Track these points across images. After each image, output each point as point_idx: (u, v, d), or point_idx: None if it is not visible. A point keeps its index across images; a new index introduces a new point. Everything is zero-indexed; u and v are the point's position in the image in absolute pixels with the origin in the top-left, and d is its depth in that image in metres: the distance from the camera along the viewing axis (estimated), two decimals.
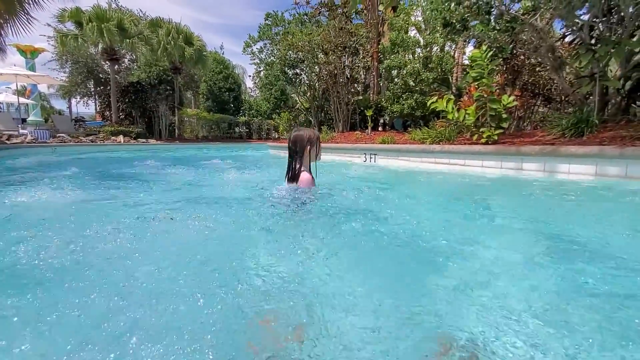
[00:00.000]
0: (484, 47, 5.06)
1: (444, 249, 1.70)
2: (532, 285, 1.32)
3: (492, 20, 5.19)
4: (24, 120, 16.97)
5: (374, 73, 12.61)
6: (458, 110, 5.26)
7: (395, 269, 1.50)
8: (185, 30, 20.15)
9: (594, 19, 4.62)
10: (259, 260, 1.53)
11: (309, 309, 1.15)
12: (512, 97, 5.14)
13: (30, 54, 18.40)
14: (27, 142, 10.83)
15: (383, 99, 11.57)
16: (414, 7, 13.91)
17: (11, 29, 7.23)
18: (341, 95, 11.82)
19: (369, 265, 1.53)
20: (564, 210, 2.66)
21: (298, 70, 13.00)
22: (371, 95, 12.65)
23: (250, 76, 28.18)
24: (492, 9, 5.22)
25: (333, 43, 11.12)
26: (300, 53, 11.90)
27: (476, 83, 5.06)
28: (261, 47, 21.23)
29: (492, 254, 1.65)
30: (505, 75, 6.98)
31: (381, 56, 11.66)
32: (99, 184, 3.81)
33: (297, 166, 2.58)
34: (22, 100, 20.05)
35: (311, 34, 11.99)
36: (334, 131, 11.87)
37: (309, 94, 13.65)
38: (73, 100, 31.47)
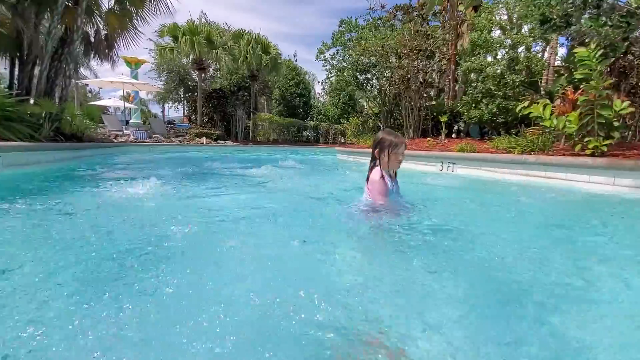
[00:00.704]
0: (592, 46, 4.39)
1: (559, 288, 1.39)
2: None
3: (601, 15, 4.50)
4: (127, 122, 19.69)
5: (450, 77, 11.91)
6: (557, 116, 4.63)
7: (499, 310, 1.23)
8: (264, 40, 21.46)
9: None
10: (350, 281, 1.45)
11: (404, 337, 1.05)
12: (626, 103, 4.37)
13: (134, 64, 21.45)
14: (130, 141, 12.54)
15: (459, 104, 10.85)
16: (499, 6, 12.84)
17: (122, 42, 8.44)
18: (413, 100, 11.40)
19: (471, 297, 1.31)
20: None
21: (369, 75, 12.89)
22: (446, 100, 11.97)
23: (319, 82, 28.84)
24: (602, 2, 4.53)
25: (408, 46, 10.79)
26: (372, 58, 11.79)
27: (582, 86, 4.41)
28: (334, 54, 21.61)
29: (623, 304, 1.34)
30: (610, 77, 5.99)
31: (458, 59, 10.96)
32: (197, 181, 4.20)
33: (370, 166, 2.52)
34: (127, 104, 23.36)
35: (385, 38, 11.81)
36: (405, 137, 11.47)
37: (379, 98, 13.45)
38: (166, 105, 35.76)
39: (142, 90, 19.80)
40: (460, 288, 1.35)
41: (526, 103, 5.16)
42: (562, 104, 5.26)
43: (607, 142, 4.23)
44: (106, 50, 8.33)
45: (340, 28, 20.51)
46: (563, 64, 10.66)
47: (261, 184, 4.14)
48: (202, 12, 24.34)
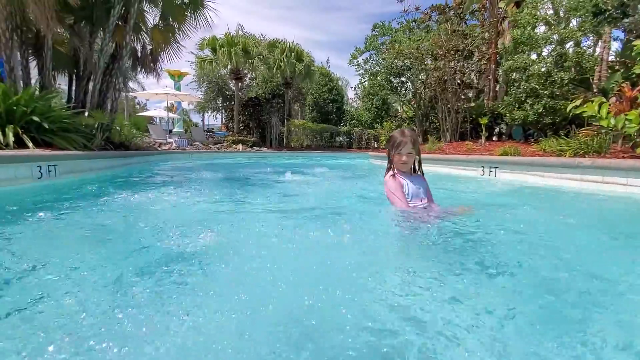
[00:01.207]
0: None
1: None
2: None
3: None
4: (170, 131, 20.85)
5: (490, 77, 11.37)
6: (615, 115, 4.20)
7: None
8: (297, 48, 21.87)
9: None
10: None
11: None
12: None
13: (177, 77, 22.75)
14: (172, 149, 13.25)
15: (501, 105, 10.28)
16: (544, 0, 12.13)
17: (166, 56, 8.97)
18: (450, 102, 10.99)
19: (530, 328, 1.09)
20: None
21: (404, 79, 12.65)
22: (486, 101, 11.41)
23: (352, 87, 28.81)
24: None
25: (444, 47, 10.45)
26: (407, 60, 11.56)
27: None
28: (367, 58, 21.51)
29: None
30: None
31: (499, 58, 10.43)
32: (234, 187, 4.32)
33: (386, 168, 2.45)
34: (170, 115, 24.79)
35: (420, 40, 11.54)
36: (441, 141, 11.07)
37: (413, 102, 13.14)
38: (205, 115, 37.55)
39: (184, 100, 20.93)
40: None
41: (578, 102, 4.75)
42: (618, 102, 4.78)
43: None
44: (151, 64, 8.90)
45: (374, 32, 20.38)
46: (618, 59, 9.77)
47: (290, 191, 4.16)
48: (238, 24, 25.41)
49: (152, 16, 9.03)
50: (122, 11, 7.91)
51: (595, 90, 9.21)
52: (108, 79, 8.21)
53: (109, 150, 6.88)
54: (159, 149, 12.09)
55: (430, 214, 2.22)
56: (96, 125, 6.93)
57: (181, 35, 9.31)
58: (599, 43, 9.86)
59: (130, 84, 32.39)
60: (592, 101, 4.61)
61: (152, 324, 1.04)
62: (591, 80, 9.55)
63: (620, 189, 3.72)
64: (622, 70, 7.33)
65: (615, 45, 9.70)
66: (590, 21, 4.79)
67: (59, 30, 7.95)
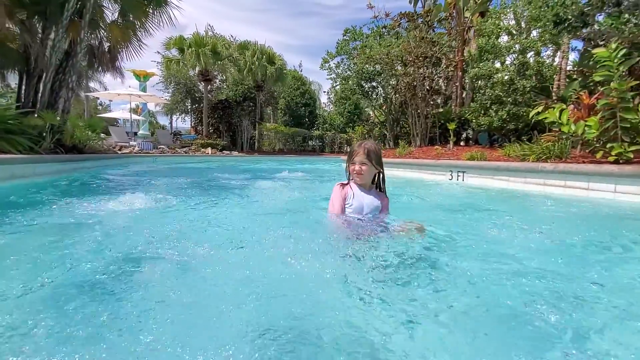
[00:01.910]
0: (613, 45, 4.13)
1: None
2: None
3: (623, 12, 4.25)
4: (135, 134, 19.83)
5: (457, 84, 11.70)
6: (575, 122, 4.35)
7: None
8: (269, 51, 21.59)
9: None
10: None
11: None
12: None
13: (143, 77, 21.69)
14: (135, 152, 12.51)
15: (467, 112, 10.59)
16: (506, 11, 12.67)
17: (126, 54, 8.42)
18: (419, 107, 11.18)
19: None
20: None
21: (375, 84, 12.76)
22: (453, 107, 11.72)
23: (325, 92, 28.91)
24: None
25: (413, 53, 10.63)
26: (377, 65, 11.65)
27: (602, 89, 4.14)
28: (338, 62, 21.61)
29: None
30: (631, 79, 5.68)
31: (465, 66, 10.76)
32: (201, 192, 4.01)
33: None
34: (135, 117, 23.59)
35: (390, 46, 11.69)
36: (411, 145, 11.23)
37: (384, 107, 13.27)
38: (174, 117, 36.19)
39: (149, 102, 19.96)
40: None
41: (540, 108, 4.89)
42: (576, 109, 4.98)
43: (633, 148, 3.92)
44: (109, 63, 8.31)
45: (345, 37, 20.52)
46: (575, 68, 10.37)
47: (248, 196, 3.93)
48: (208, 24, 24.70)
49: (112, 12, 8.47)
50: (78, 6, 7.33)
51: (554, 97, 9.72)
52: (61, 77, 7.56)
53: (59, 154, 6.30)
54: (119, 152, 11.35)
55: (367, 225, 2.08)
56: (46, 127, 6.33)
57: (143, 33, 8.79)
58: (558, 53, 10.43)
59: (92, 84, 30.64)
60: (554, 108, 4.76)
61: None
62: (551, 88, 10.07)
63: (580, 193, 3.83)
64: (580, 79, 7.73)
65: (573, 56, 10.29)
66: (550, 31, 4.97)
67: (9, 26, 7.24)
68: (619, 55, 4.09)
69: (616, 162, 3.97)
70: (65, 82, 7.51)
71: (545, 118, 4.65)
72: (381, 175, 2.33)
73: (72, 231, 2.19)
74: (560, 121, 4.44)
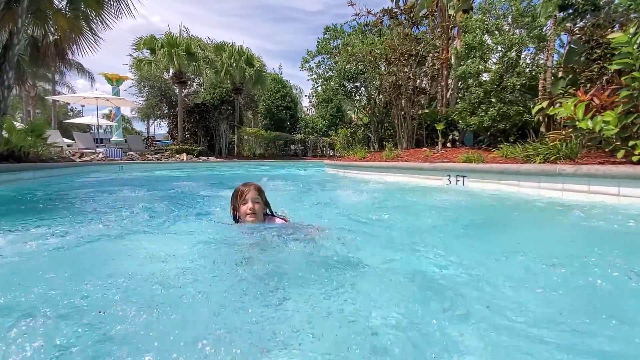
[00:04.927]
0: (632, 29, 3.56)
1: None
2: None
3: None
4: (101, 140, 18.48)
5: (442, 83, 11.20)
6: (592, 117, 3.73)
7: None
8: (247, 52, 20.71)
9: None
10: None
11: None
12: None
13: (116, 81, 20.32)
14: (97, 160, 11.35)
15: (454, 112, 10.07)
16: (493, 5, 12.32)
17: (77, 48, 7.41)
18: (405, 108, 10.61)
19: None
20: None
21: (358, 84, 12.14)
22: (439, 107, 11.21)
23: (306, 95, 28.22)
24: None
25: (397, 51, 10.06)
26: (360, 64, 11.03)
27: (622, 79, 3.55)
28: (319, 62, 20.87)
29: None
30: None
31: (449, 66, 10.28)
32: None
33: None
34: (107, 122, 22.13)
35: (373, 43, 11.09)
36: (398, 148, 10.62)
37: (368, 108, 12.67)
38: (150, 122, 34.65)
39: (118, 105, 18.67)
40: None
41: (545, 104, 4.28)
42: (592, 102, 4.40)
43: None
44: (56, 57, 7.28)
45: (325, 36, 19.86)
46: (562, 65, 10.04)
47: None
48: (182, 25, 23.54)
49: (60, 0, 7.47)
50: None
51: (540, 96, 9.32)
52: None
53: None
54: (77, 160, 10.20)
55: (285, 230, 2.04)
56: None
57: (102, 25, 7.82)
58: (545, 50, 10.07)
59: (59, 88, 28.84)
60: (561, 103, 4.16)
61: None
62: (538, 86, 9.68)
63: (609, 200, 3.19)
64: (570, 77, 7.30)
65: (558, 55, 9.95)
66: (556, 19, 4.39)
67: None
68: (639, 41, 3.52)
69: None
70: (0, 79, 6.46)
71: (557, 113, 4.03)
72: (270, 209, 2.29)
73: None
74: (576, 116, 3.81)
